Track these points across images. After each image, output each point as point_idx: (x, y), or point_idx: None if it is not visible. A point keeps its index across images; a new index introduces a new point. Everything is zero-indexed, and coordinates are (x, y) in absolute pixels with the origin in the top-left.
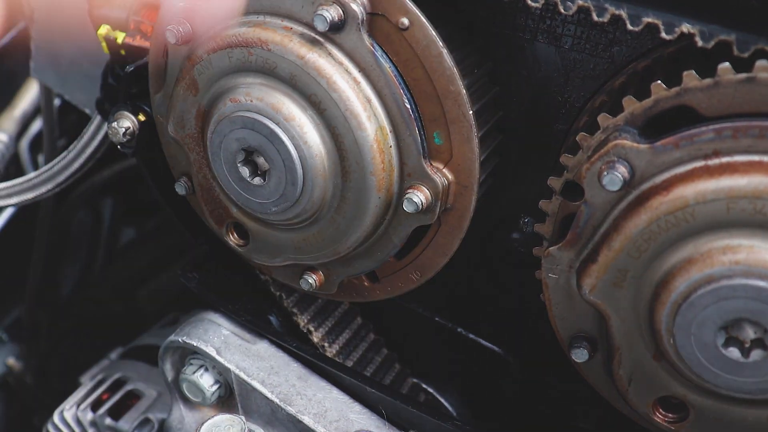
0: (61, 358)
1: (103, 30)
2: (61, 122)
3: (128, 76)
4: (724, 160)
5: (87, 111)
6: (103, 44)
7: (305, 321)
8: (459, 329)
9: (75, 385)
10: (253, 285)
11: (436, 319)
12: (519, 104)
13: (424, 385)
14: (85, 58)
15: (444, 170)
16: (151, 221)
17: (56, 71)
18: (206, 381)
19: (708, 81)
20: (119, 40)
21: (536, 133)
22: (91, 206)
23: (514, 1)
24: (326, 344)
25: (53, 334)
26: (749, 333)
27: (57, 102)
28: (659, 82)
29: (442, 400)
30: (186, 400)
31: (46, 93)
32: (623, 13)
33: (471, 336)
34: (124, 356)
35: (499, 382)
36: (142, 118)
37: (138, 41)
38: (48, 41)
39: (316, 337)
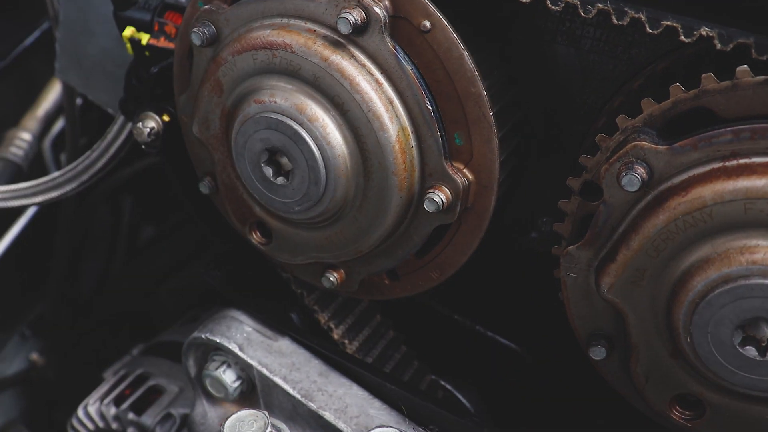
0: (83, 354)
1: (128, 32)
2: (83, 121)
3: (153, 78)
4: (742, 161)
5: (110, 111)
6: (128, 46)
7: (326, 318)
8: (477, 327)
9: (97, 381)
10: (274, 283)
11: (455, 317)
12: (538, 105)
13: (442, 382)
14: (109, 59)
15: (464, 170)
16: (171, 219)
17: (80, 72)
18: (229, 377)
19: (726, 83)
20: (144, 42)
21: (555, 133)
22: (111, 204)
23: (534, 4)
24: (346, 341)
25: (76, 330)
26: (766, 332)
27: (78, 101)
28: (678, 84)
29: (460, 397)
30: (209, 396)
31: (69, 93)
32: (642, 17)
33: (489, 334)
34: (146, 352)
35: (516, 379)
36: (166, 118)
37: (162, 43)
38: (72, 42)
39: (336, 335)
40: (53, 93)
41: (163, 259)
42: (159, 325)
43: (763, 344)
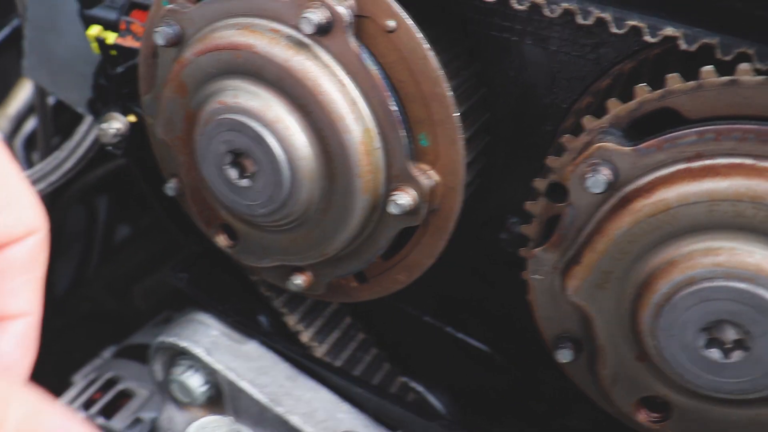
0: (54, 357)
1: (94, 30)
2: (56, 120)
3: (119, 77)
4: (707, 162)
5: (80, 110)
6: (94, 45)
7: (295, 321)
8: (448, 328)
9: (68, 384)
10: (243, 285)
11: (425, 318)
12: (506, 105)
13: (413, 384)
14: (78, 58)
15: (430, 172)
16: (146, 219)
17: (49, 70)
18: (195, 382)
19: (691, 84)
20: (110, 41)
21: (524, 134)
22: (86, 204)
23: (500, 3)
24: (315, 344)
25: (47, 332)
26: (730, 334)
27: (52, 100)
28: (643, 84)
29: (432, 399)
30: (176, 401)
31: (41, 91)
32: (608, 16)
33: (459, 335)
34: (117, 355)
35: (487, 380)
36: (132, 119)
37: (129, 42)
38: (40, 40)
39: (305, 337)
40: (25, 91)
41: (137, 259)
42: (132, 326)
43: (728, 346)
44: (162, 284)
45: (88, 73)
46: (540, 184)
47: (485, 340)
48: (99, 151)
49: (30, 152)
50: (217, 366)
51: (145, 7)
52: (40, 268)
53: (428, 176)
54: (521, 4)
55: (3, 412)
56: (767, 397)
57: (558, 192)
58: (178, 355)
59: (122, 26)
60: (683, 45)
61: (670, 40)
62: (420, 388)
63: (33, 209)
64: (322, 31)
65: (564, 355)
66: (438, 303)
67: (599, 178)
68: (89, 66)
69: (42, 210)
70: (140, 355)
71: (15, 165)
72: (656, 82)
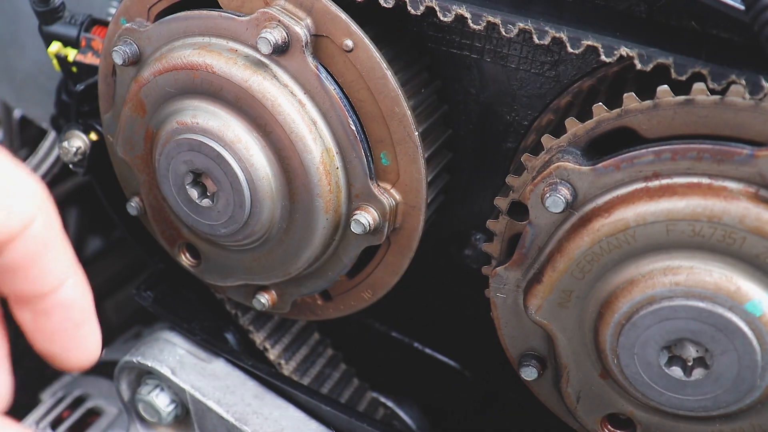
0: (24, 372)
1: (54, 47)
2: (22, 134)
3: (79, 95)
4: (664, 182)
5: (44, 126)
6: (54, 62)
7: (261, 338)
8: (415, 344)
9: (36, 402)
10: (209, 303)
11: (393, 334)
12: (468, 123)
13: (382, 399)
14: (41, 73)
15: (391, 191)
16: (117, 232)
17: (12, 85)
18: (162, 401)
19: (648, 103)
20: (70, 58)
21: (486, 151)
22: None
23: (457, 22)
24: (283, 361)
25: (16, 348)
26: (691, 352)
27: (17, 114)
28: (600, 103)
29: (401, 413)
30: (143, 420)
31: (5, 105)
32: (563, 36)
33: (427, 350)
34: (86, 372)
35: (455, 395)
36: (94, 137)
37: (90, 59)
38: (2, 55)
39: (272, 354)
40: None
41: (108, 273)
42: (104, 341)
43: (689, 364)
44: (134, 299)
45: (51, 89)
46: (501, 202)
47: (453, 355)
48: (64, 166)
49: None
50: (184, 385)
51: (106, 24)
52: (56, 237)
53: (390, 195)
54: (477, 24)
55: None
56: (728, 414)
57: (519, 210)
58: (144, 375)
59: (83, 43)
60: (639, 65)
61: (626, 59)
62: (390, 404)
63: (24, 197)
64: (280, 51)
65: (529, 373)
66: (405, 319)
67: (558, 198)
68: (53, 81)
69: (38, 189)
70: (109, 371)
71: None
72: (615, 100)
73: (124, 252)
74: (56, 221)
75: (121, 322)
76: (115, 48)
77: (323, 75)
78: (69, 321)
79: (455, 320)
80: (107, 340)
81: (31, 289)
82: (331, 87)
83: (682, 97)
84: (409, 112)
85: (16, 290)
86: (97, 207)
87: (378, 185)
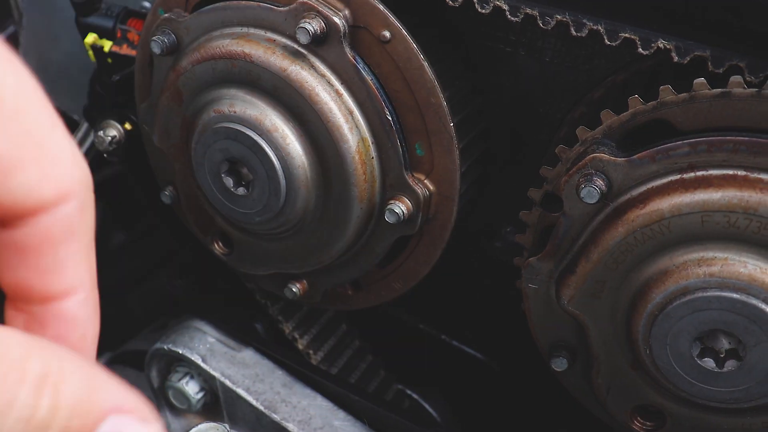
0: None
1: (90, 38)
2: None
3: (114, 85)
4: (699, 173)
5: (75, 117)
6: (90, 53)
7: (291, 328)
8: (443, 336)
9: None
10: (240, 293)
11: (420, 326)
12: (502, 115)
13: (408, 392)
14: (74, 65)
15: (425, 181)
16: (141, 224)
17: (45, 77)
18: (192, 388)
19: (684, 96)
20: (106, 49)
21: (519, 143)
22: None
23: (494, 14)
24: (311, 351)
25: None
26: (724, 343)
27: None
28: (636, 96)
29: (427, 406)
30: (172, 407)
31: None
32: (601, 29)
33: (455, 343)
34: (113, 361)
35: (483, 387)
36: (128, 126)
37: (125, 50)
38: (36, 47)
39: (301, 345)
40: None
41: (133, 264)
42: (128, 332)
43: (721, 356)
44: (158, 290)
45: (83, 81)
46: (534, 193)
47: (481, 348)
48: (93, 159)
49: None
50: (214, 373)
51: (141, 16)
52: (84, 235)
53: (423, 185)
54: (515, 16)
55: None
56: (760, 407)
57: (552, 202)
58: (174, 362)
59: (118, 34)
60: (675, 57)
61: (663, 52)
62: (416, 396)
63: (67, 165)
64: (318, 42)
65: (559, 364)
66: (434, 311)
67: (593, 189)
68: (85, 73)
69: (85, 169)
70: (136, 361)
71: (50, 111)
72: (650, 94)
73: (148, 244)
74: (92, 218)
75: (145, 313)
76: (154, 38)
77: (360, 66)
78: (63, 342)
79: (482, 312)
80: (132, 332)
81: (36, 281)
82: (368, 77)
83: (718, 90)
84: (444, 103)
85: (18, 278)
86: (121, 201)
87: (412, 175)
